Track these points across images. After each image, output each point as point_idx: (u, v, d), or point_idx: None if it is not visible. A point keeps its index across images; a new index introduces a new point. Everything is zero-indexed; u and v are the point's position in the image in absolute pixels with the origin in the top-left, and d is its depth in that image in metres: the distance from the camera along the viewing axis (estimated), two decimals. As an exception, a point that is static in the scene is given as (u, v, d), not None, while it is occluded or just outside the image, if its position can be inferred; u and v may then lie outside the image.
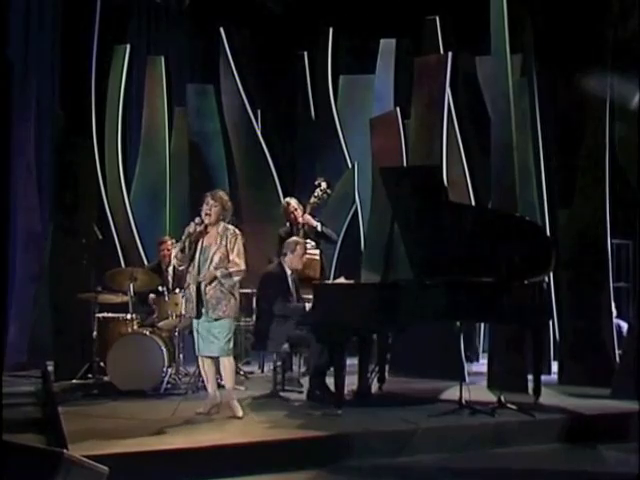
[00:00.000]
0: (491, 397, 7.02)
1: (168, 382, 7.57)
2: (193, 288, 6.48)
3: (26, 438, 5.79)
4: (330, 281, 8.54)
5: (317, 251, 8.21)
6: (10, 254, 9.20)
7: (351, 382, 7.21)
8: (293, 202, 8.47)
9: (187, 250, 6.53)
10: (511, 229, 6.97)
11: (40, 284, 9.42)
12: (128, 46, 10.43)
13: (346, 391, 6.91)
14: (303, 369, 8.02)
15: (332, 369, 6.95)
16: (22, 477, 4.34)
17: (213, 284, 6.46)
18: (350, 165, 10.68)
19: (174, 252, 6.80)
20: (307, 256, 7.76)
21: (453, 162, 9.41)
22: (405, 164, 9.13)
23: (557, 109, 8.68)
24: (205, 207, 6.54)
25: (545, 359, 8.06)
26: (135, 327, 7.85)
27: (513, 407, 6.67)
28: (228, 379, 6.59)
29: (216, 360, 6.58)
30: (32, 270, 9.61)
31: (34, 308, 9.53)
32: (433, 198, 7.00)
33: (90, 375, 7.92)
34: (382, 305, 6.72)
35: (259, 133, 10.63)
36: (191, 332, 6.77)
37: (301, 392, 7.47)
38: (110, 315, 8.02)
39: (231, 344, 6.54)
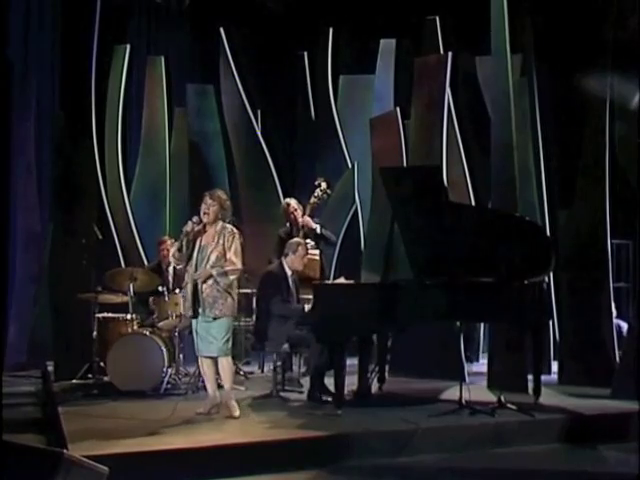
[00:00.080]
0: (491, 397, 7.02)
1: (168, 382, 7.57)
2: (190, 287, 6.50)
3: (26, 438, 5.80)
4: (330, 281, 8.54)
5: (317, 251, 8.21)
6: (10, 254, 9.21)
7: (351, 382, 7.21)
8: (293, 203, 8.47)
9: (184, 249, 6.54)
10: (511, 229, 6.96)
11: (40, 284, 9.43)
12: (128, 46, 10.43)
13: (346, 391, 6.91)
14: (303, 369, 8.02)
15: (332, 369, 6.95)
16: (22, 477, 4.34)
17: (209, 282, 6.46)
18: (350, 165, 10.68)
19: (172, 251, 6.83)
20: (307, 257, 7.75)
21: (453, 162, 9.41)
22: (405, 164, 9.13)
23: (557, 109, 8.69)
24: (203, 206, 6.55)
25: (545, 359, 8.06)
26: (135, 327, 7.85)
27: (513, 407, 6.68)
28: (226, 379, 6.59)
29: (216, 360, 6.58)
30: (32, 270, 9.62)
31: (34, 308, 9.54)
32: (433, 198, 7.00)
33: (90, 375, 7.92)
34: (382, 305, 6.73)
35: (259, 133, 10.63)
36: (191, 332, 6.77)
37: (301, 392, 7.47)
38: (110, 315, 8.03)
39: (229, 344, 6.55)
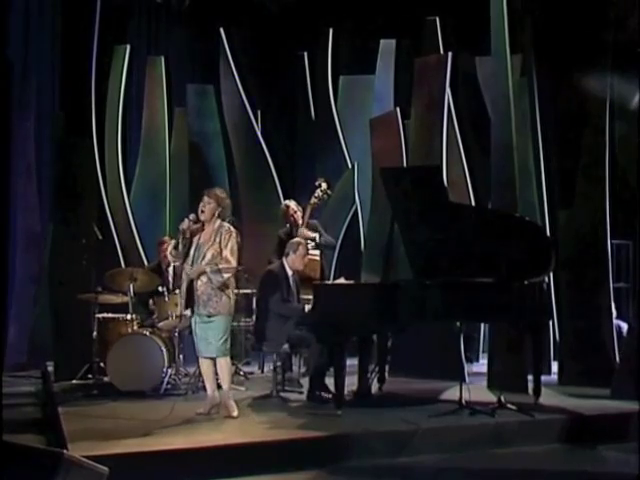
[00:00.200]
0: (491, 397, 7.02)
1: (168, 382, 7.57)
2: (184, 284, 6.51)
3: (26, 438, 5.79)
4: (330, 281, 8.54)
5: (317, 252, 8.21)
6: (10, 254, 9.21)
7: (351, 382, 7.20)
8: (292, 204, 8.48)
9: (181, 247, 6.55)
10: (511, 229, 6.96)
11: (40, 284, 9.44)
12: (128, 46, 10.43)
13: (346, 391, 6.90)
14: (303, 369, 8.02)
15: (332, 369, 6.95)
16: (22, 477, 4.34)
17: (204, 280, 6.46)
18: (350, 165, 10.68)
19: (169, 248, 6.85)
20: (308, 257, 7.75)
21: (453, 162, 9.41)
22: (405, 164, 9.13)
23: (557, 109, 8.68)
24: (200, 204, 6.58)
25: (545, 359, 8.06)
26: (135, 327, 7.85)
27: (513, 407, 6.67)
28: (225, 379, 6.60)
29: (215, 360, 6.58)
30: (32, 270, 9.62)
31: (34, 308, 9.55)
32: (433, 198, 7.00)
33: (90, 375, 7.92)
34: (382, 305, 6.72)
35: (259, 133, 10.63)
36: (191, 332, 6.78)
37: (301, 392, 7.47)
38: (110, 315, 8.03)
39: (227, 344, 6.54)
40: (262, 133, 10.68)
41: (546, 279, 7.45)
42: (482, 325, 9.23)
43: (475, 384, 7.61)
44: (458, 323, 7.55)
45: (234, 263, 6.50)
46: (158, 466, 5.41)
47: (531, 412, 6.61)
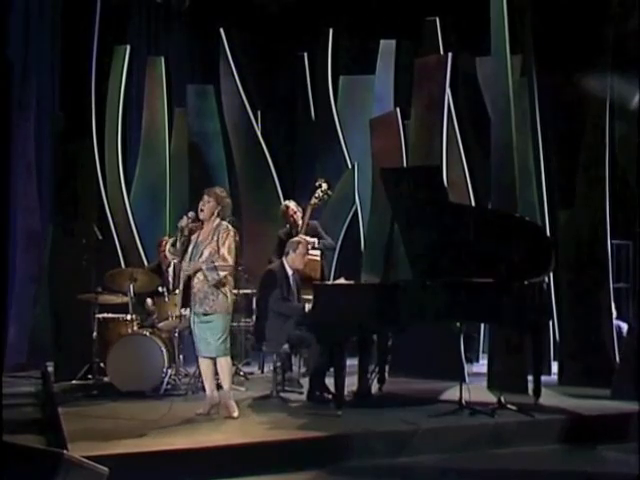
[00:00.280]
0: (491, 398, 7.02)
1: (168, 383, 7.57)
2: (182, 282, 6.53)
3: (26, 439, 5.81)
4: (330, 282, 8.54)
5: (318, 252, 8.21)
6: (10, 254, 9.21)
7: (351, 383, 7.21)
8: (292, 205, 8.49)
9: (179, 244, 6.58)
10: (511, 229, 6.96)
11: (40, 284, 9.44)
12: (128, 47, 10.44)
13: (346, 392, 6.90)
14: (303, 370, 8.02)
15: (332, 370, 6.95)
16: (22, 478, 4.35)
17: (200, 278, 6.47)
18: (350, 166, 10.68)
19: (167, 245, 6.89)
20: (308, 257, 7.75)
21: (453, 162, 9.41)
22: (405, 165, 9.13)
23: (557, 109, 8.68)
24: (200, 203, 6.61)
25: (545, 360, 8.05)
26: (135, 328, 7.85)
27: (513, 408, 6.67)
28: (225, 379, 6.60)
29: (215, 360, 6.58)
30: (32, 270, 9.62)
31: (34, 309, 9.55)
32: (433, 199, 7.00)
33: (90, 376, 7.92)
34: (382, 305, 6.72)
35: (259, 133, 10.64)
36: (191, 332, 6.78)
37: (301, 393, 7.47)
38: (110, 316, 8.03)
39: (227, 344, 6.54)
40: (262, 133, 10.68)
41: (546, 279, 7.45)
42: (482, 325, 9.23)
43: (475, 384, 7.60)
44: (458, 323, 7.55)
45: (230, 261, 6.50)
46: (158, 466, 5.41)
47: (531, 412, 6.61)
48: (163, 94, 10.76)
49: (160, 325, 7.89)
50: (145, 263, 9.62)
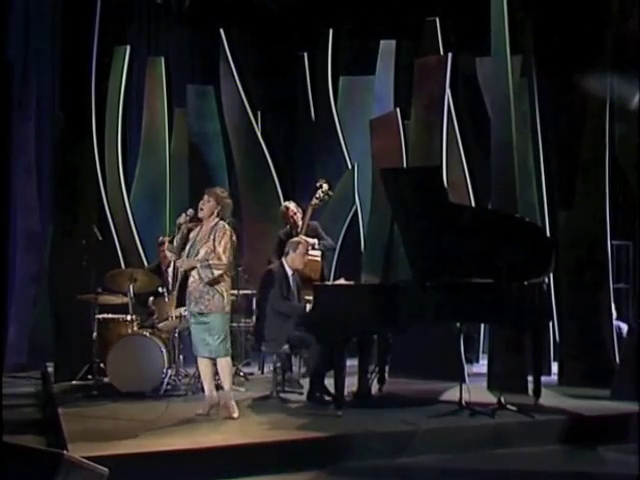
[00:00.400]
0: (491, 398, 7.02)
1: (168, 383, 7.57)
2: (178, 280, 6.56)
3: (26, 439, 5.80)
4: (330, 282, 8.54)
5: (318, 252, 8.21)
6: (10, 254, 9.21)
7: (351, 383, 7.20)
8: (292, 206, 8.49)
9: (176, 241, 6.63)
10: (511, 230, 6.96)
11: (40, 285, 9.43)
12: (128, 47, 10.45)
13: (346, 392, 6.90)
14: (303, 370, 8.02)
15: (332, 370, 6.95)
16: (22, 478, 4.35)
17: (195, 277, 6.48)
18: (350, 166, 10.69)
19: (167, 243, 6.91)
20: (308, 257, 7.76)
21: (453, 163, 9.42)
22: (405, 165, 9.13)
23: (557, 110, 8.68)
24: (200, 202, 6.64)
25: (545, 360, 8.05)
26: (135, 328, 7.85)
27: (513, 408, 6.67)
28: (225, 379, 6.60)
29: (214, 360, 6.58)
30: (32, 271, 9.62)
31: (34, 309, 9.55)
32: (433, 199, 7.00)
33: (90, 376, 7.91)
34: (382, 306, 6.72)
35: (259, 134, 10.64)
36: (190, 333, 6.78)
37: (301, 393, 7.47)
38: (110, 316, 8.02)
39: (227, 344, 6.54)
40: (262, 134, 10.69)
41: (546, 280, 7.45)
42: (482, 326, 9.23)
43: (475, 385, 7.59)
44: (458, 324, 7.56)
45: (225, 261, 6.50)
46: (158, 467, 5.41)
47: (531, 413, 6.61)
48: (163, 94, 10.76)
49: (160, 325, 7.89)
50: (145, 263, 9.62)
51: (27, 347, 9.34)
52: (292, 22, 11.27)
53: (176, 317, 7.68)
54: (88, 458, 4.75)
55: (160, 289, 8.08)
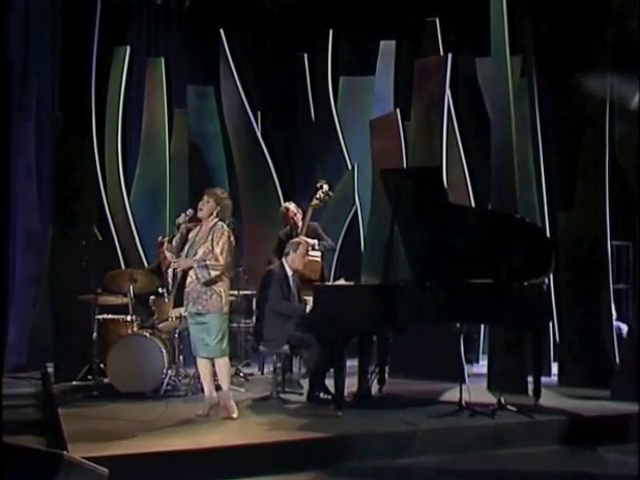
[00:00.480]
0: (491, 399, 7.02)
1: (168, 384, 7.57)
2: (176, 280, 6.57)
3: (26, 440, 5.81)
4: (330, 283, 8.54)
5: (318, 253, 8.21)
6: (10, 255, 9.20)
7: (351, 383, 7.20)
8: (292, 207, 8.49)
9: (175, 240, 6.66)
10: (511, 231, 6.96)
11: (40, 285, 9.43)
12: (128, 48, 10.44)
13: (346, 392, 6.91)
14: (303, 371, 8.02)
15: (332, 370, 6.95)
16: (22, 479, 4.34)
17: (193, 277, 6.49)
18: (350, 166, 10.69)
19: (166, 244, 6.93)
20: (308, 257, 7.76)
21: (453, 163, 9.42)
22: (405, 165, 9.13)
23: (557, 110, 8.68)
24: (200, 203, 6.64)
25: (545, 361, 8.05)
26: (135, 329, 7.84)
27: (513, 409, 6.67)
28: (224, 379, 6.60)
29: (213, 361, 6.59)
30: (32, 271, 9.62)
31: (34, 309, 9.54)
32: (433, 200, 7.00)
33: (90, 377, 7.91)
34: (382, 306, 6.72)
35: (259, 134, 10.64)
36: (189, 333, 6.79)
37: (301, 394, 7.47)
38: (110, 317, 8.02)
39: (224, 344, 6.53)
40: (262, 134, 10.69)
41: (546, 280, 7.45)
42: (482, 326, 9.23)
43: (475, 385, 7.59)
44: (458, 324, 7.56)
45: (222, 262, 6.50)
46: (158, 467, 5.41)
47: (531, 413, 6.61)
48: (163, 95, 10.76)
49: (160, 326, 7.89)
50: (145, 264, 9.61)
51: (27, 347, 9.33)
52: (292, 22, 11.26)
53: (176, 317, 7.68)
54: (88, 458, 4.76)
55: (160, 289, 8.07)
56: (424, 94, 8.98)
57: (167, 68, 10.88)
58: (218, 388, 6.77)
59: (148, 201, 10.58)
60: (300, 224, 8.32)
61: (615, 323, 8.45)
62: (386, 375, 7.84)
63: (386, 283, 7.00)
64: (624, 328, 8.71)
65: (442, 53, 9.45)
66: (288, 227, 8.45)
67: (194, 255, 6.52)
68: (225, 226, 6.62)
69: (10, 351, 8.85)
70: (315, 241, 8.20)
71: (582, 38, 8.14)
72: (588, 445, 6.39)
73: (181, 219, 6.69)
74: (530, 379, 7.38)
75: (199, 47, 11.59)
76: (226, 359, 6.60)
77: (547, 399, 7.21)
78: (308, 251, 7.74)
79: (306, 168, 11.20)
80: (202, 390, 6.83)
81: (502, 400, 6.72)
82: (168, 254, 6.93)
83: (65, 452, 4.79)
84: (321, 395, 7.13)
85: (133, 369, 7.45)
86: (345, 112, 11.19)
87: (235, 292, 8.20)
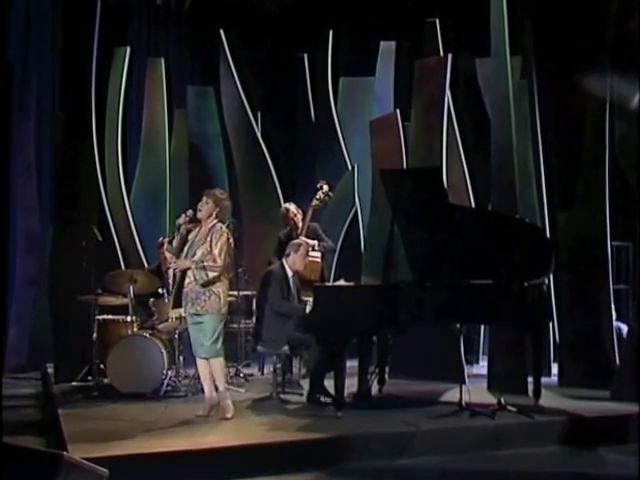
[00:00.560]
0: (491, 399, 7.02)
1: (168, 384, 7.57)
2: (176, 280, 6.57)
3: (26, 440, 5.81)
4: (330, 283, 8.54)
5: (318, 254, 8.21)
6: (10, 255, 9.21)
7: (351, 384, 7.20)
8: (292, 208, 8.49)
9: (175, 241, 6.67)
10: (511, 231, 6.96)
11: (40, 286, 9.43)
12: (128, 48, 10.45)
13: (346, 393, 6.90)
14: (303, 371, 8.02)
15: (332, 371, 6.94)
16: (22, 479, 4.34)
17: (191, 278, 6.50)
18: (350, 167, 10.69)
19: (166, 244, 6.94)
20: (308, 258, 7.75)
21: (453, 164, 9.42)
22: (405, 166, 9.13)
23: (557, 111, 8.68)
24: (199, 204, 6.65)
25: (545, 361, 8.05)
26: (135, 329, 7.84)
27: (513, 409, 6.67)
28: (218, 379, 6.59)
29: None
30: (32, 271, 9.62)
31: (34, 310, 9.54)
32: (433, 200, 7.00)
33: (90, 377, 7.92)
34: (382, 307, 6.72)
35: (259, 135, 10.64)
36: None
37: (301, 394, 7.46)
38: (110, 317, 8.02)
39: (218, 345, 6.53)
40: (262, 134, 10.69)
41: (546, 281, 7.45)
42: (482, 327, 9.23)
43: (475, 386, 7.59)
44: (458, 325, 7.56)
45: (220, 263, 6.50)
46: (158, 468, 5.40)
47: (531, 414, 6.61)
48: (163, 95, 10.76)
49: (160, 326, 7.88)
50: (145, 264, 9.61)
51: (27, 348, 9.33)
52: (292, 23, 11.26)
53: (176, 318, 7.68)
54: (88, 459, 4.76)
55: (160, 290, 8.08)
56: (424, 94, 8.98)
57: (167, 68, 10.89)
58: (217, 389, 6.77)
59: (148, 202, 10.58)
60: (300, 225, 8.32)
61: (615, 323, 8.45)
62: (386, 375, 7.83)
63: (386, 283, 7.00)
64: (624, 328, 8.71)
65: (442, 53, 9.45)
66: (288, 228, 8.44)
67: (193, 256, 6.53)
68: (224, 227, 6.62)
69: (10, 351, 8.85)
70: (315, 242, 8.20)
71: (582, 38, 8.13)
72: (588, 446, 6.39)
73: (181, 220, 6.70)
74: (530, 379, 7.38)
75: (199, 47, 11.60)
76: (221, 359, 6.60)
77: (547, 399, 7.21)
78: (309, 252, 7.74)
79: (306, 168, 11.20)
80: (202, 391, 6.83)
81: (502, 400, 6.72)
82: (168, 255, 6.95)
83: (65, 452, 4.79)
84: (321, 398, 7.12)
85: (133, 370, 7.45)
86: (345, 112, 11.19)
87: (235, 292, 8.20)
